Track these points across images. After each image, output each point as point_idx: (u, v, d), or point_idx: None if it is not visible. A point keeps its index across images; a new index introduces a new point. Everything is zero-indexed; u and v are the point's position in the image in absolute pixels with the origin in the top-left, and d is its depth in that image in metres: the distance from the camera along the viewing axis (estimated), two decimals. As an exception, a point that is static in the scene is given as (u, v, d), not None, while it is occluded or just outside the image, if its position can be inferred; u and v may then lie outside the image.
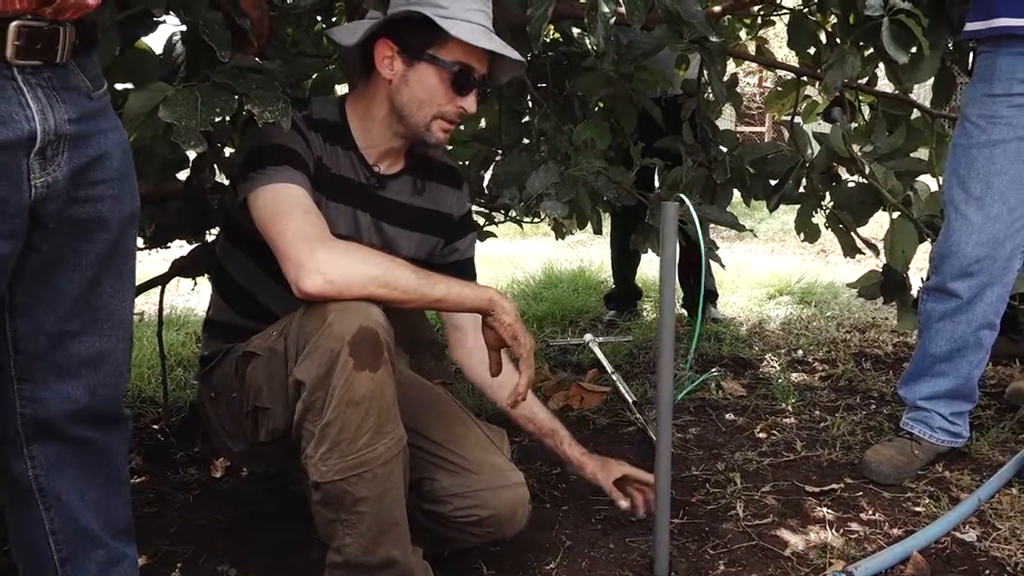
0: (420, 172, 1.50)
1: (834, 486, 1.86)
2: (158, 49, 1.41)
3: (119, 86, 1.33)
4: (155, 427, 2.22)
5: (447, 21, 1.30)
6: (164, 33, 1.41)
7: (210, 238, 2.08)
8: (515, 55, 1.38)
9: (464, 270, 1.59)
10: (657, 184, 3.04)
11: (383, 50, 1.35)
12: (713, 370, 2.71)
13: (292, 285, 1.21)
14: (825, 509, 1.76)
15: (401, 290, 1.24)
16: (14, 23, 0.91)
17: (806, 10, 2.39)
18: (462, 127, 2.55)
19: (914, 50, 2.08)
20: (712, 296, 3.51)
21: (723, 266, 2.25)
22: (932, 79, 2.21)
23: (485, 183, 2.34)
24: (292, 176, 1.28)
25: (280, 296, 1.40)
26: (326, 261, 1.20)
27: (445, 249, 1.58)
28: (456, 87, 1.36)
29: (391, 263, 1.25)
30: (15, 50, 0.92)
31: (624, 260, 3.61)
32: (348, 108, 1.42)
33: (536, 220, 2.31)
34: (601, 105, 2.38)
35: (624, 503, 1.61)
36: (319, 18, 2.07)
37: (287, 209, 1.25)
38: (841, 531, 1.66)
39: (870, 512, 1.75)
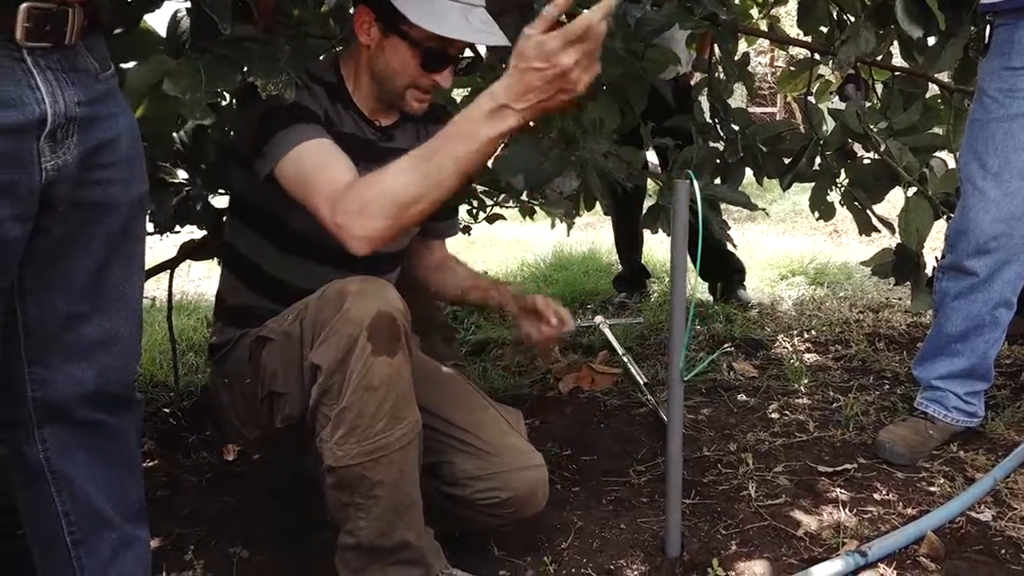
0: (416, 118, 1.48)
1: (847, 466, 1.85)
2: (161, 30, 1.41)
3: (123, 65, 1.32)
4: (167, 411, 2.23)
5: (418, 6, 1.26)
6: (166, 14, 1.40)
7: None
8: (494, 40, 1.29)
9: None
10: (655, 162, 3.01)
11: (361, 15, 1.34)
12: (725, 346, 2.70)
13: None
14: (838, 489, 1.75)
15: (423, 191, 1.11)
16: (24, 5, 0.90)
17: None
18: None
19: (932, 40, 2.04)
20: (740, 275, 3.42)
21: (734, 246, 2.23)
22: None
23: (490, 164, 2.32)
24: (304, 131, 1.25)
25: (294, 266, 1.39)
26: (349, 224, 1.13)
27: None
28: (426, 64, 1.33)
29: (388, 180, 1.13)
30: (24, 32, 0.91)
31: (627, 241, 3.58)
32: (342, 67, 1.42)
33: (545, 208, 2.29)
34: (608, 85, 2.35)
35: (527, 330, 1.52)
36: (324, -2, 2.04)
37: (308, 176, 1.22)
38: (854, 511, 1.65)
39: (884, 492, 1.74)
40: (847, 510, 1.66)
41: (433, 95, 1.41)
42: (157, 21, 1.50)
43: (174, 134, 1.69)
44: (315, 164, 1.23)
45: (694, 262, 3.24)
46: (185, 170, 1.80)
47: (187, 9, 1.30)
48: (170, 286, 2.17)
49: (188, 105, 1.09)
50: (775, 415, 2.18)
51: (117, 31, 1.27)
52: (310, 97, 1.32)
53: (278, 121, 1.27)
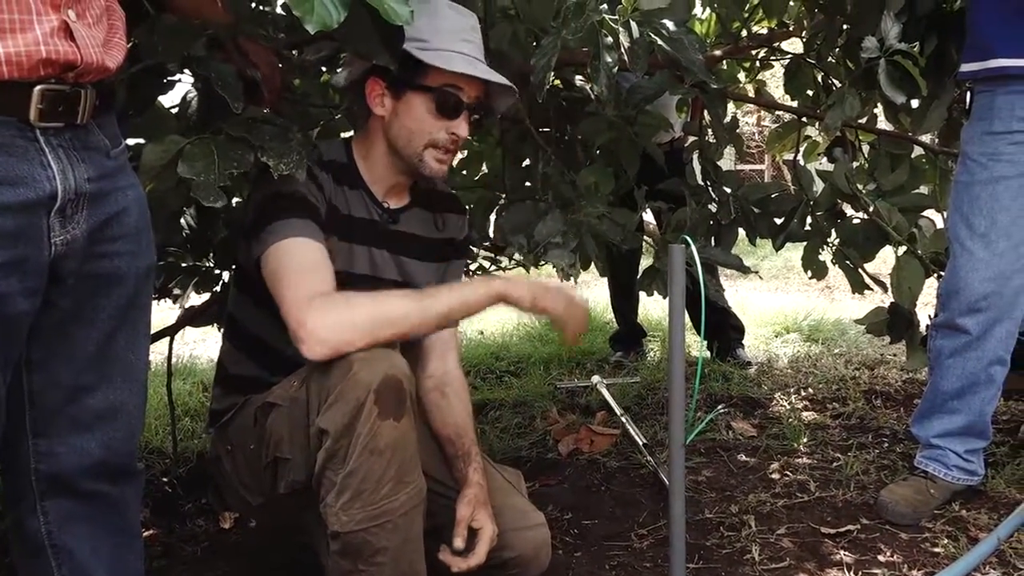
0: (428, 204, 1.52)
1: (850, 527, 1.84)
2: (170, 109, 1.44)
3: (131, 141, 1.35)
4: (164, 479, 2.20)
5: (428, 53, 1.32)
6: (177, 95, 1.44)
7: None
8: (499, 79, 1.38)
9: None
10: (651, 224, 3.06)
11: (373, 88, 1.38)
12: (720, 407, 2.70)
13: None
14: (842, 551, 1.74)
15: (402, 321, 1.23)
16: (38, 87, 0.93)
17: (806, 57, 2.43)
18: (464, 172, 2.59)
19: (916, 103, 2.11)
20: (738, 334, 3.44)
21: (728, 307, 2.25)
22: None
23: (491, 229, 2.36)
24: (296, 228, 1.27)
25: None
26: (320, 327, 1.19)
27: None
28: (441, 110, 1.36)
29: (382, 300, 1.24)
30: (38, 113, 0.93)
31: (622, 300, 3.61)
32: (354, 148, 1.45)
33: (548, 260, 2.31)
34: (602, 150, 2.41)
35: (457, 543, 1.33)
36: (324, 68, 2.11)
37: (285, 273, 1.24)
38: (860, 573, 1.64)
39: (888, 554, 1.72)
40: (852, 572, 1.64)
41: (451, 157, 1.42)
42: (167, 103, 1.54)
43: (181, 220, 1.71)
44: (299, 264, 1.25)
45: (694, 324, 3.25)
46: (192, 253, 1.81)
47: (196, 89, 1.34)
48: (169, 354, 2.17)
49: (202, 187, 1.11)
50: (776, 475, 2.17)
51: (131, 112, 1.31)
52: (315, 188, 1.34)
53: (278, 210, 1.29)
